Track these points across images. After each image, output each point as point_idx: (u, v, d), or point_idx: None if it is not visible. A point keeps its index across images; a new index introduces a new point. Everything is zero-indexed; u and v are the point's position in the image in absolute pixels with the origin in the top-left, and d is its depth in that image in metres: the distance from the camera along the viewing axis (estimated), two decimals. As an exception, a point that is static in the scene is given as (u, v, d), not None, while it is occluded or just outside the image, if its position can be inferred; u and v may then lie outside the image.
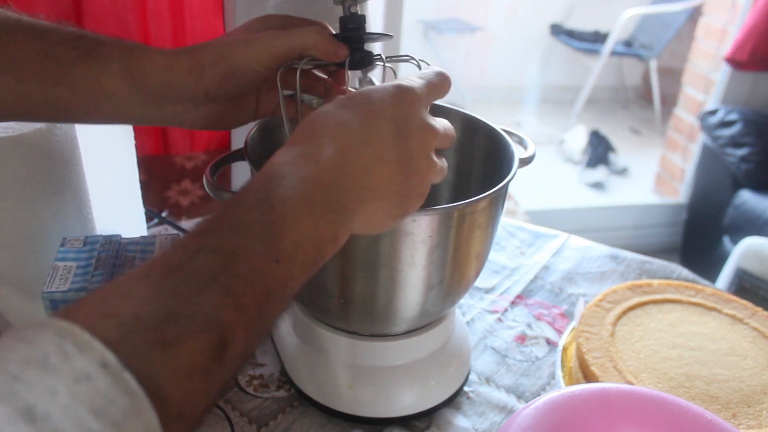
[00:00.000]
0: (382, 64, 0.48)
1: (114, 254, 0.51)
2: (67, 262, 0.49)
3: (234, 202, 0.31)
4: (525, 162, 0.51)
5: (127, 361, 0.24)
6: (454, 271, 0.49)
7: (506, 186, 0.47)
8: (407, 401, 0.53)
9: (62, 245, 0.51)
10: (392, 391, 0.53)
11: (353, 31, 0.45)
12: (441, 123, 0.40)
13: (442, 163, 0.40)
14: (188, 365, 0.26)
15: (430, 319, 0.53)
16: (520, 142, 0.55)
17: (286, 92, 0.48)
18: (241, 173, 0.74)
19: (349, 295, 0.48)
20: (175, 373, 0.25)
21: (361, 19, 0.46)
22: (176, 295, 0.27)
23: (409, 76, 0.40)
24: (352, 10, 0.45)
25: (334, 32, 0.46)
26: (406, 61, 0.49)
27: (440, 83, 0.40)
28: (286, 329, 0.57)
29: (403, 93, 0.37)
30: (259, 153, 0.50)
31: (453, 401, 0.57)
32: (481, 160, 0.58)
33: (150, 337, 0.25)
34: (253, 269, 0.29)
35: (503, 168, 0.50)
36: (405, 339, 0.53)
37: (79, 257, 0.50)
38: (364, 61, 0.47)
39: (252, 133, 0.51)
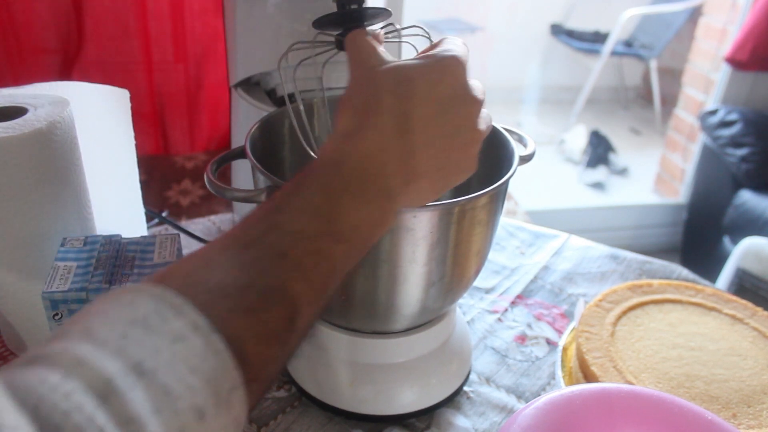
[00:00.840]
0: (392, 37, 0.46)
1: (114, 254, 0.51)
2: (68, 262, 0.49)
3: (300, 185, 0.33)
4: (525, 159, 0.51)
5: (215, 324, 0.26)
6: (455, 267, 0.49)
7: (506, 183, 0.47)
8: (408, 399, 0.53)
9: (62, 245, 0.51)
10: (393, 388, 0.53)
11: (351, 8, 0.43)
12: (479, 86, 0.39)
13: (487, 118, 0.40)
14: (266, 332, 0.28)
15: (430, 317, 0.53)
16: (520, 140, 0.55)
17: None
18: (241, 171, 0.74)
19: (349, 292, 0.48)
20: (256, 338, 0.28)
21: None
22: (254, 268, 0.29)
23: (446, 43, 0.39)
24: None
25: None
26: (414, 31, 0.47)
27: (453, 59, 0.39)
28: None
29: (447, 67, 0.37)
30: (260, 150, 0.50)
31: (453, 401, 0.57)
32: (481, 158, 0.58)
33: (234, 304, 0.27)
34: (318, 249, 0.31)
35: (503, 166, 0.50)
36: (406, 336, 0.53)
37: (80, 257, 0.50)
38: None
39: (253, 130, 0.51)
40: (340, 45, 0.44)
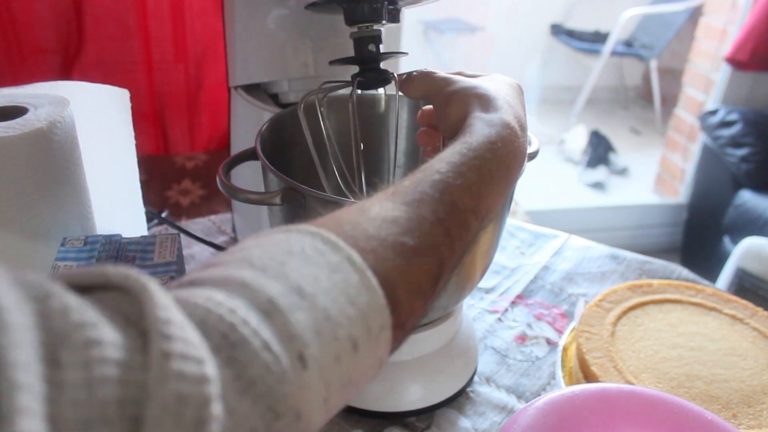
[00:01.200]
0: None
1: (114, 254, 0.51)
2: (68, 261, 0.49)
3: (462, 158, 0.35)
4: (530, 157, 0.52)
5: (371, 265, 0.27)
6: (463, 266, 0.49)
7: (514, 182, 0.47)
8: (415, 396, 0.54)
9: (63, 245, 0.51)
10: (401, 386, 0.53)
11: (370, 52, 0.46)
12: None
13: None
14: (416, 283, 0.29)
15: (437, 315, 0.53)
16: None
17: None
18: (240, 171, 0.74)
19: None
20: (407, 286, 0.29)
21: (377, 39, 0.46)
22: (409, 224, 0.30)
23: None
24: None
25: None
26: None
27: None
28: None
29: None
30: (269, 150, 0.50)
31: (455, 400, 0.57)
32: None
33: (390, 252, 0.28)
34: (465, 222, 0.33)
35: None
36: (413, 334, 0.53)
37: (80, 257, 0.50)
38: (381, 82, 0.47)
39: (262, 131, 0.51)
40: (360, 85, 0.47)
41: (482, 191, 0.35)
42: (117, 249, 0.51)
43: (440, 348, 0.55)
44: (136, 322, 0.20)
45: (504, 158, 0.36)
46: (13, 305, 0.17)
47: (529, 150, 0.53)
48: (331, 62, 0.48)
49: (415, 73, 0.46)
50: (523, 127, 0.40)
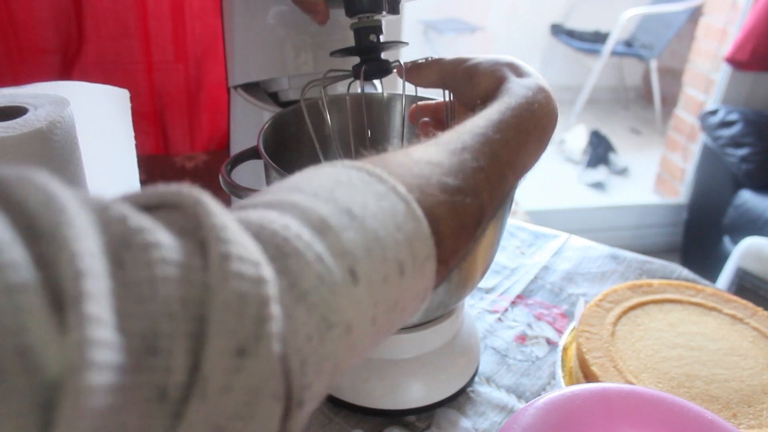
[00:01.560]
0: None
1: None
2: None
3: (501, 117, 0.36)
4: None
5: (417, 197, 0.28)
6: (463, 263, 0.49)
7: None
8: (418, 394, 0.54)
9: None
10: (403, 384, 0.53)
11: (370, 42, 0.46)
12: None
13: None
14: (460, 221, 0.30)
15: (440, 313, 0.54)
16: None
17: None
18: (241, 171, 0.74)
19: None
20: (451, 222, 0.29)
21: (378, 30, 0.46)
22: (454, 168, 0.31)
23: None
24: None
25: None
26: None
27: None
28: None
29: None
30: (271, 149, 0.50)
31: (455, 400, 0.57)
32: None
33: (435, 189, 0.29)
34: (503, 173, 0.34)
35: None
36: (414, 332, 0.53)
37: None
38: (382, 72, 0.47)
39: (264, 130, 0.51)
40: (357, 74, 0.47)
41: (520, 148, 0.36)
42: None
43: (442, 346, 0.55)
44: (193, 232, 0.20)
45: (540, 119, 0.38)
46: (76, 210, 0.17)
47: None
48: (332, 53, 0.48)
49: (422, 61, 0.46)
50: (551, 91, 0.42)
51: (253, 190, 0.45)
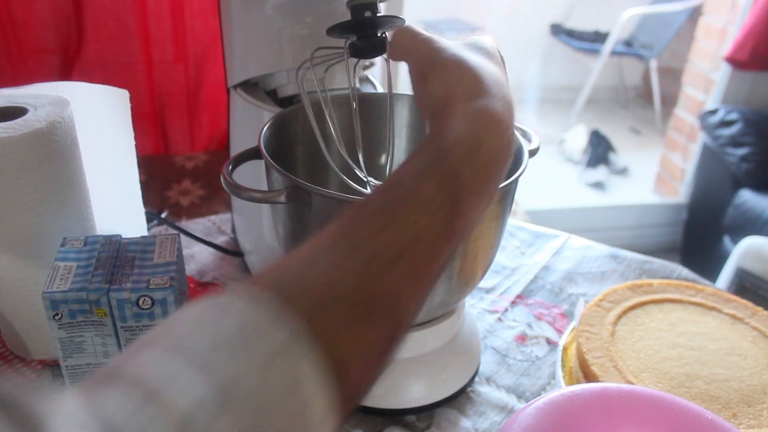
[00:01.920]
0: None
1: (114, 254, 0.51)
2: (68, 262, 0.49)
3: (421, 174, 0.30)
4: (531, 153, 0.52)
5: (319, 336, 0.24)
6: (466, 262, 0.49)
7: (516, 180, 0.48)
8: (418, 393, 0.54)
9: (63, 245, 0.51)
10: (403, 383, 0.53)
11: (366, 17, 0.44)
12: None
13: None
14: (369, 349, 0.26)
15: (440, 312, 0.54)
16: (524, 134, 0.55)
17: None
18: (242, 171, 0.74)
19: None
20: (360, 355, 0.26)
21: (374, 6, 0.45)
22: (365, 272, 0.26)
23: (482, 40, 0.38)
24: None
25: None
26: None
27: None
28: None
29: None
30: (272, 149, 0.50)
31: (455, 400, 0.57)
32: None
33: (339, 315, 0.25)
34: (433, 251, 0.29)
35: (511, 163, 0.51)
36: (415, 332, 0.53)
37: (80, 257, 0.50)
38: (378, 48, 0.45)
39: (265, 129, 0.51)
40: (355, 52, 0.45)
41: (455, 210, 0.29)
42: (117, 249, 0.51)
43: (442, 346, 0.55)
44: None
45: (486, 165, 0.31)
46: None
47: (530, 146, 0.53)
48: (328, 30, 0.47)
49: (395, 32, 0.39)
50: (511, 114, 0.33)
51: (254, 191, 0.45)
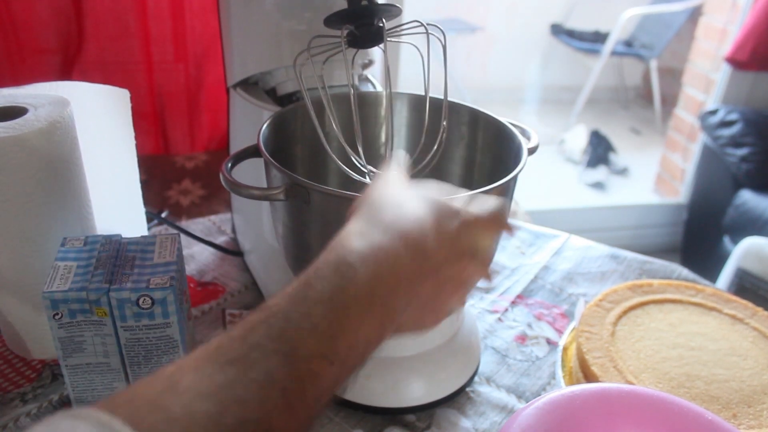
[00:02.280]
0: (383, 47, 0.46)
1: (114, 254, 0.51)
2: (68, 261, 0.49)
3: (300, 293, 0.29)
4: (530, 151, 0.52)
5: None
6: None
7: (515, 178, 0.47)
8: (417, 392, 0.54)
9: (63, 245, 0.51)
10: (403, 382, 0.53)
11: (362, 5, 0.43)
12: (487, 254, 0.39)
13: (485, 283, 0.40)
14: None
15: None
16: (523, 132, 0.55)
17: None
18: (241, 169, 0.74)
19: None
20: None
21: None
22: (230, 392, 0.25)
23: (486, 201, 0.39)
24: None
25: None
26: (417, 27, 0.47)
27: (490, 219, 0.38)
28: None
29: (489, 222, 0.38)
30: (271, 148, 0.50)
31: (454, 400, 0.57)
32: (489, 153, 0.59)
33: None
34: (309, 372, 0.27)
35: (510, 159, 0.51)
36: None
37: (80, 257, 0.50)
38: (376, 38, 0.44)
39: (263, 128, 0.51)
40: (352, 42, 0.44)
41: (333, 330, 0.28)
42: (117, 249, 0.51)
43: (442, 344, 0.55)
44: None
45: (363, 289, 0.30)
46: None
47: (529, 144, 0.53)
48: (326, 19, 0.46)
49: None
50: (412, 245, 0.33)
51: (254, 188, 0.45)
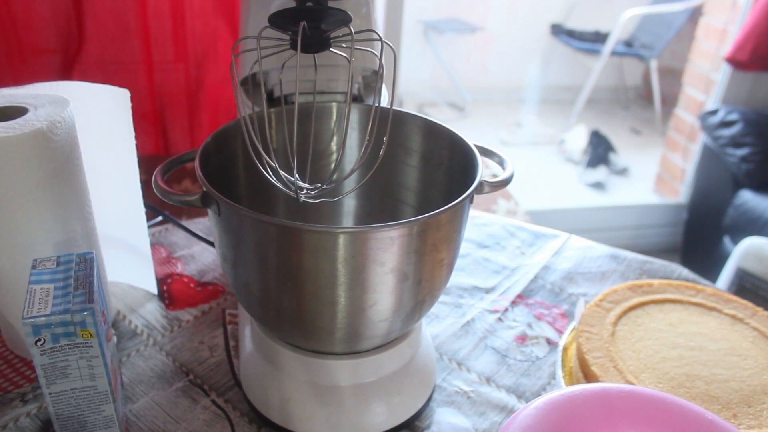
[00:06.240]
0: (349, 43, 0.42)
1: (90, 272, 0.48)
2: (43, 284, 0.46)
3: None
4: (498, 185, 0.49)
5: None
6: (420, 283, 0.47)
7: (465, 200, 0.45)
8: (379, 418, 0.52)
9: (34, 267, 0.48)
10: (361, 409, 0.51)
11: (307, 7, 0.40)
12: None
13: None
14: None
15: (394, 337, 0.51)
16: (501, 162, 0.53)
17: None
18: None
19: (315, 317, 0.46)
20: None
21: None
22: None
23: None
24: None
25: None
26: (373, 39, 0.46)
27: None
28: (249, 353, 0.55)
29: None
30: (213, 161, 0.50)
31: (453, 401, 0.57)
32: (447, 170, 0.56)
33: None
34: None
35: (468, 179, 0.48)
36: (371, 356, 0.51)
37: (55, 278, 0.47)
38: (320, 43, 0.42)
39: (208, 140, 0.51)
40: (294, 45, 0.41)
41: None
42: (91, 267, 0.48)
43: (400, 369, 0.53)
44: None
45: None
46: None
47: (503, 176, 0.51)
48: (270, 18, 0.42)
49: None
50: None
51: (180, 195, 0.45)
